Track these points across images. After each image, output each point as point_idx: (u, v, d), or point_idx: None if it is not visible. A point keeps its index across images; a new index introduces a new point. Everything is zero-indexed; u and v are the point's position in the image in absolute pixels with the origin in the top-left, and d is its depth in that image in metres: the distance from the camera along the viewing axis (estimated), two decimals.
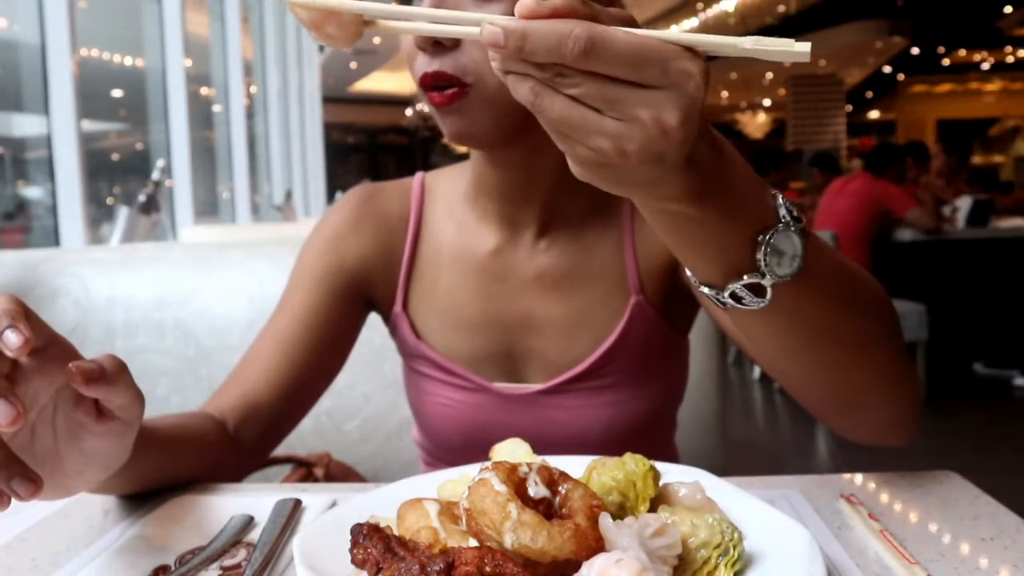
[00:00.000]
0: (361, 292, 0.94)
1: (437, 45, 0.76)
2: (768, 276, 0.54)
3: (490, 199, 0.88)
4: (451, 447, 0.94)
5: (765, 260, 0.54)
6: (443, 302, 0.92)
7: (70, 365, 0.52)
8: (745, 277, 0.55)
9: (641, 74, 0.44)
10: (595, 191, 0.87)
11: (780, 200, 0.55)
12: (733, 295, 0.56)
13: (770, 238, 0.54)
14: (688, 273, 0.58)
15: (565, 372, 0.89)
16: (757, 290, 0.56)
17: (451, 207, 0.93)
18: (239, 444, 0.86)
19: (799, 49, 0.44)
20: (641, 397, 0.90)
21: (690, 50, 0.45)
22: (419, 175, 0.98)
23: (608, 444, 0.88)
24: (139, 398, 0.58)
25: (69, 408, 0.56)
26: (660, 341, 0.91)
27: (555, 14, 0.44)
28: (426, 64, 0.76)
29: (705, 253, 0.55)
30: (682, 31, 0.43)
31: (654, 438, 0.96)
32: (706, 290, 0.57)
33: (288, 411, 0.90)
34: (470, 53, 0.75)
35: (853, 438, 0.72)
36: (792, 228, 0.54)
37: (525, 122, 0.79)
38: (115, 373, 0.54)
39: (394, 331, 0.96)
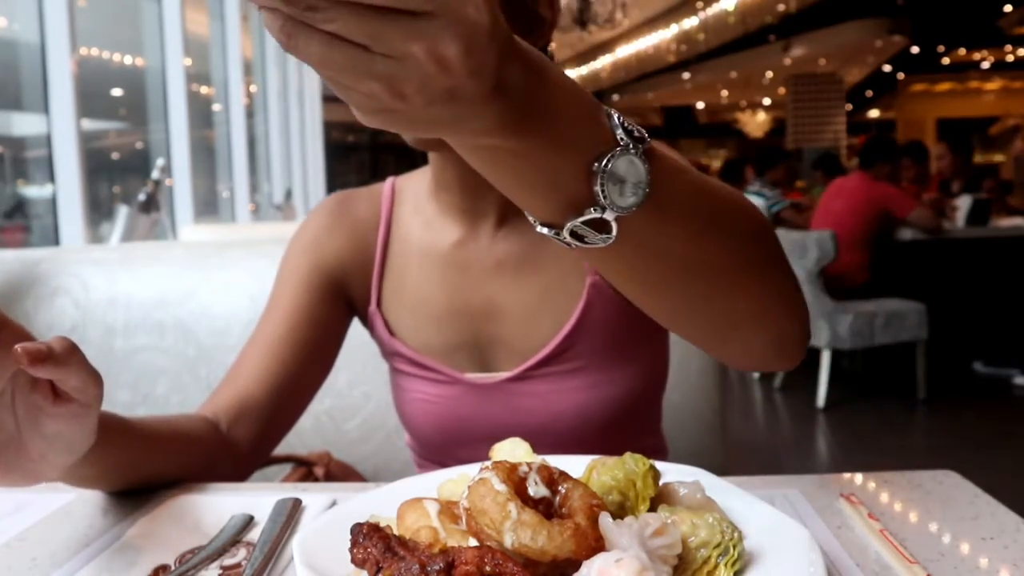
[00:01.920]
0: (341, 292, 0.96)
1: None
2: (609, 209, 0.47)
3: (450, 193, 0.90)
4: (433, 443, 0.96)
5: (603, 191, 0.47)
6: (412, 297, 0.94)
7: (16, 346, 0.52)
8: (586, 213, 0.48)
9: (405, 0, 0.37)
10: None
11: (616, 120, 0.48)
12: (574, 233, 0.49)
13: (606, 165, 0.47)
14: (525, 213, 0.52)
15: (531, 358, 0.90)
16: (601, 226, 0.49)
17: (417, 206, 0.95)
18: (234, 445, 0.87)
19: None
20: (613, 381, 0.91)
21: None
22: (389, 180, 1.00)
23: (584, 430, 0.89)
24: (95, 379, 0.57)
25: (27, 392, 0.56)
26: (625, 322, 0.90)
27: None
28: None
29: (535, 189, 0.48)
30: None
31: (634, 425, 0.95)
32: (545, 230, 0.50)
33: (281, 410, 0.91)
34: None
35: (739, 367, 0.67)
36: (632, 151, 0.47)
37: None
38: (64, 353, 0.54)
39: (372, 330, 0.99)
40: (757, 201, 5.41)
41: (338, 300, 0.96)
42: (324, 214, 0.98)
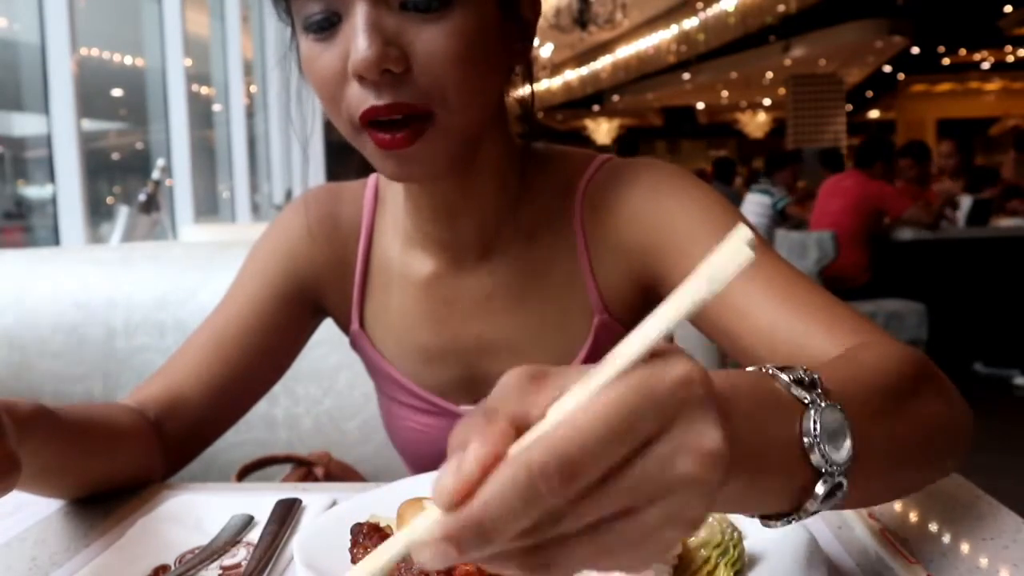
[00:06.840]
0: (312, 300, 0.90)
1: (386, 73, 0.65)
2: (834, 469, 0.43)
3: (425, 221, 0.82)
4: (427, 470, 0.87)
5: (826, 460, 0.43)
6: (396, 324, 0.87)
7: None
8: (819, 488, 0.43)
9: (638, 436, 0.32)
10: (535, 208, 0.83)
11: (788, 380, 0.44)
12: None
13: (816, 438, 0.43)
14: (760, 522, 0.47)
15: None
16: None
17: (397, 218, 0.87)
18: (162, 438, 0.82)
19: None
20: None
21: (663, 349, 0.33)
22: (373, 177, 0.91)
23: None
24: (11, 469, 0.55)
25: None
26: None
27: (485, 470, 0.31)
28: (373, 95, 0.66)
29: (760, 504, 0.44)
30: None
31: None
32: (779, 524, 0.45)
33: (217, 411, 0.86)
34: (429, 71, 0.66)
35: None
36: (822, 404, 0.44)
37: (476, 147, 0.75)
38: None
39: (356, 349, 0.93)
40: (763, 199, 5.40)
41: (306, 309, 0.90)
42: (304, 214, 0.90)
